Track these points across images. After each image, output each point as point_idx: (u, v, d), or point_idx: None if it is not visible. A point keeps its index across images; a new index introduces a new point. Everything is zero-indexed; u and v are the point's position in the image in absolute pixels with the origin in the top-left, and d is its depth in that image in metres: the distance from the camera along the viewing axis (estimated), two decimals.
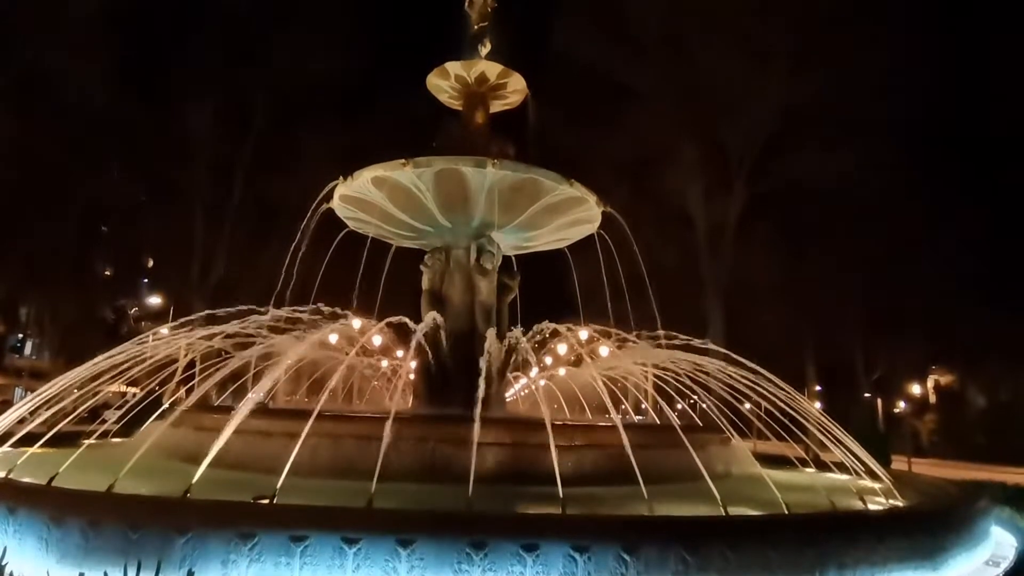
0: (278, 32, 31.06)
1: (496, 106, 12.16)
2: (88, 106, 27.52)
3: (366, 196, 10.67)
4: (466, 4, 11.97)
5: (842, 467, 8.72)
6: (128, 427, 9.98)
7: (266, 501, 4.94)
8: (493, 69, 11.53)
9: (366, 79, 33.71)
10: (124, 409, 9.64)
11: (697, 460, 6.15)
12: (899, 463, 18.40)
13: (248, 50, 30.26)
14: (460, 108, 12.13)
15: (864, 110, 28.65)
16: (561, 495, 5.15)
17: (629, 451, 5.77)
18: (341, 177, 10.58)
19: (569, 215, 11.00)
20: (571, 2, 30.61)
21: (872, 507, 6.62)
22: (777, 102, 28.56)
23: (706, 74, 28.22)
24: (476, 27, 11.83)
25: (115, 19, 27.54)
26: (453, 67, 11.58)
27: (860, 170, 28.42)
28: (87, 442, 8.38)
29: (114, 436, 10.16)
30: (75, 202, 30.09)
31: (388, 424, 5.78)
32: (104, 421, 10.98)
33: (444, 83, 11.90)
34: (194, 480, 5.08)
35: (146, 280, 43.27)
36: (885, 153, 28.70)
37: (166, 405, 9.98)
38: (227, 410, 7.69)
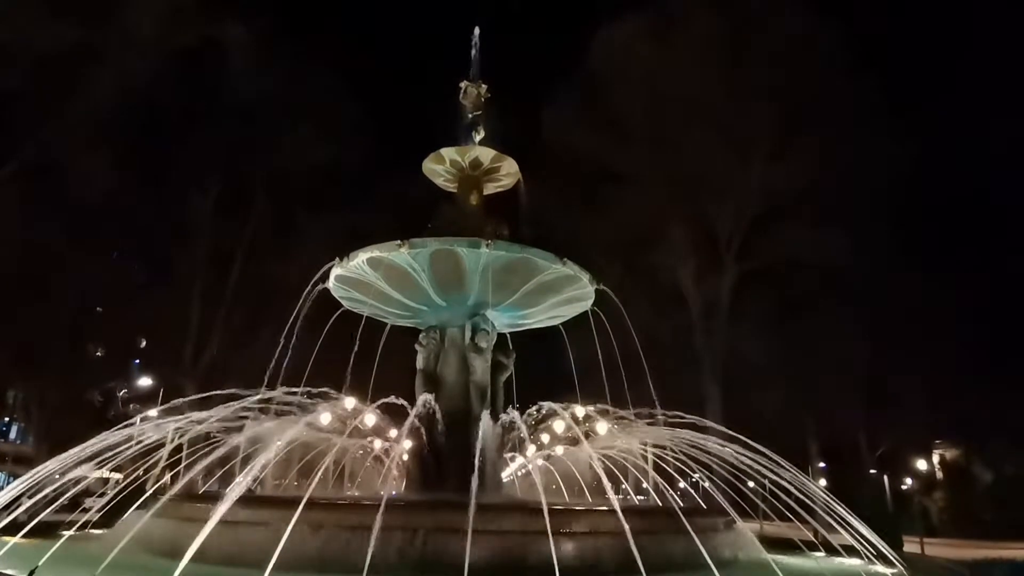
0: (279, 122, 32.16)
1: (490, 189, 12.53)
2: (89, 192, 27.99)
3: (361, 276, 10.78)
4: (460, 94, 12.56)
5: (851, 551, 8.38)
6: (109, 516, 9.56)
7: None
8: (486, 154, 11.96)
9: (364, 165, 34.69)
10: (106, 497, 9.27)
11: (701, 547, 5.92)
12: (911, 544, 17.69)
13: (250, 139, 31.27)
14: (455, 191, 12.47)
15: (853, 187, 29.41)
16: None
17: (630, 538, 5.55)
18: (337, 258, 10.72)
19: (563, 293, 11.10)
20: (561, 92, 32.18)
21: None
22: (761, 184, 29.41)
23: (690, 159, 29.22)
24: (471, 115, 12.37)
25: (120, 109, 28.46)
26: (448, 152, 12.00)
27: (853, 245, 28.91)
28: (67, 533, 8.01)
29: (94, 526, 9.71)
30: (71, 285, 30.08)
31: (379, 513, 5.57)
32: (85, 510, 10.52)
33: (439, 167, 12.29)
34: None
35: (137, 361, 42.70)
36: (877, 228, 29.28)
37: (149, 492, 9.61)
38: (211, 498, 7.40)
